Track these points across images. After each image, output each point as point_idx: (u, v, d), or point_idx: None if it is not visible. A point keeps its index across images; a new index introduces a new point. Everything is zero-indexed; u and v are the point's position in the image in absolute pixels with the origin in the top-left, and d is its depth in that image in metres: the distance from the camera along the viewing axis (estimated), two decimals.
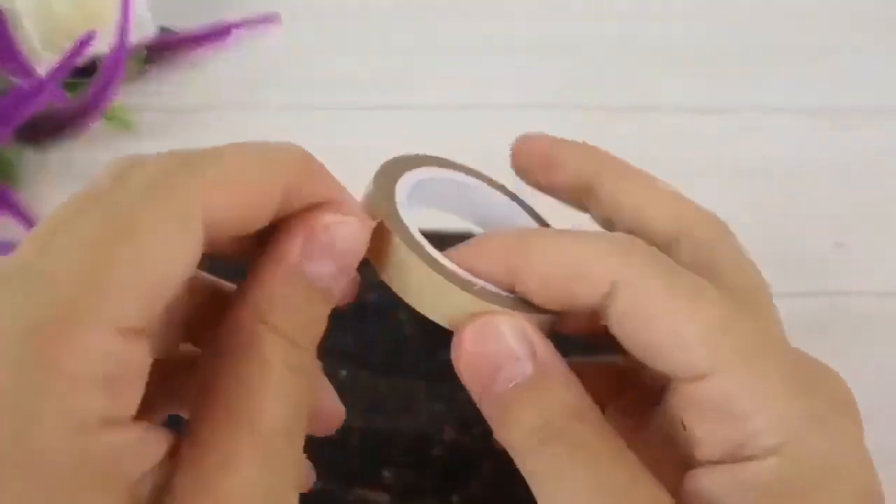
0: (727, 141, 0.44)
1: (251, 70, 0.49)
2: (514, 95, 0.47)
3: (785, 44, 0.49)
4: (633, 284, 0.17)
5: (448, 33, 0.52)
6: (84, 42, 0.40)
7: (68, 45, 0.40)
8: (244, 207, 0.16)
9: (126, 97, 0.44)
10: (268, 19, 0.51)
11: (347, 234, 0.17)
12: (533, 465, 0.17)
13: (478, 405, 0.18)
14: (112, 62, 0.41)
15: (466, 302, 0.18)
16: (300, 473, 0.17)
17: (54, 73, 0.40)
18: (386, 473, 0.29)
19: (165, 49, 0.48)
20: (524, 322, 0.18)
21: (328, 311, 0.17)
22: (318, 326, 0.17)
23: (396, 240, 0.19)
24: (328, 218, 0.17)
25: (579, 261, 0.18)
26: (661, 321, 0.17)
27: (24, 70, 0.41)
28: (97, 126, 0.43)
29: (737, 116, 0.45)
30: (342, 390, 0.32)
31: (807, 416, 0.17)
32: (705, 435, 0.18)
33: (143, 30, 0.45)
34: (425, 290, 0.18)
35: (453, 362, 0.18)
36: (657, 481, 0.17)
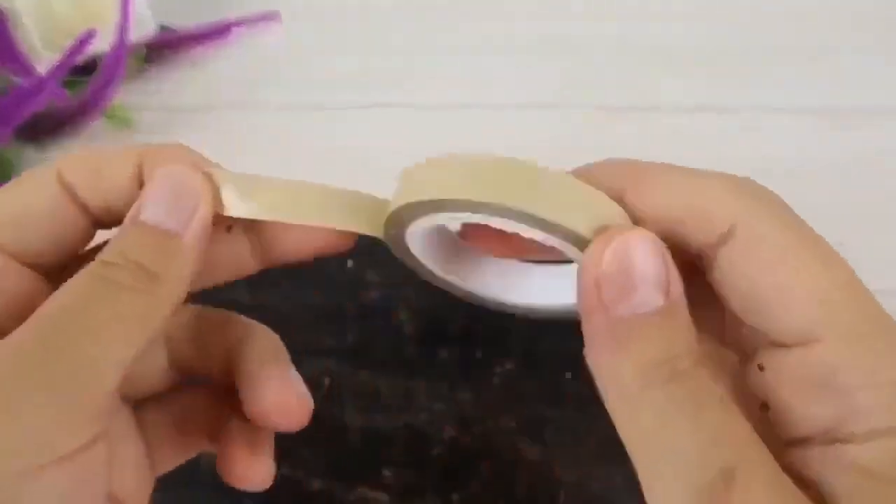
0: (727, 141, 0.44)
1: (251, 69, 0.49)
2: (514, 95, 0.47)
3: (785, 44, 0.49)
4: (754, 228, 0.16)
5: (448, 33, 0.52)
6: (84, 40, 0.40)
7: (68, 44, 0.40)
8: (95, 173, 0.20)
9: (126, 96, 0.44)
10: (268, 18, 0.51)
11: (174, 177, 0.19)
12: (643, 401, 0.15)
13: (584, 322, 0.16)
14: (112, 61, 0.41)
15: (611, 212, 0.16)
16: (83, 373, 0.17)
17: (54, 72, 0.40)
18: (386, 473, 0.29)
19: (165, 47, 0.48)
20: (660, 243, 0.16)
21: (174, 243, 0.19)
22: (155, 253, 0.18)
23: (502, 156, 0.17)
24: (158, 169, 0.19)
25: (702, 195, 0.17)
26: (777, 272, 0.16)
27: (25, 69, 0.41)
28: (97, 125, 0.43)
29: (737, 116, 0.45)
30: (342, 389, 0.32)
31: None
32: (800, 409, 0.16)
33: (143, 28, 0.45)
34: (561, 194, 0.17)
35: (580, 271, 0.16)
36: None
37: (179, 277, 0.19)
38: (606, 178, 0.18)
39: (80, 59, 0.41)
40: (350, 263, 0.36)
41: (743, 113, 0.45)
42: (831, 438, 0.16)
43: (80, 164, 0.20)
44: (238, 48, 0.50)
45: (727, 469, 0.14)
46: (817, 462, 0.16)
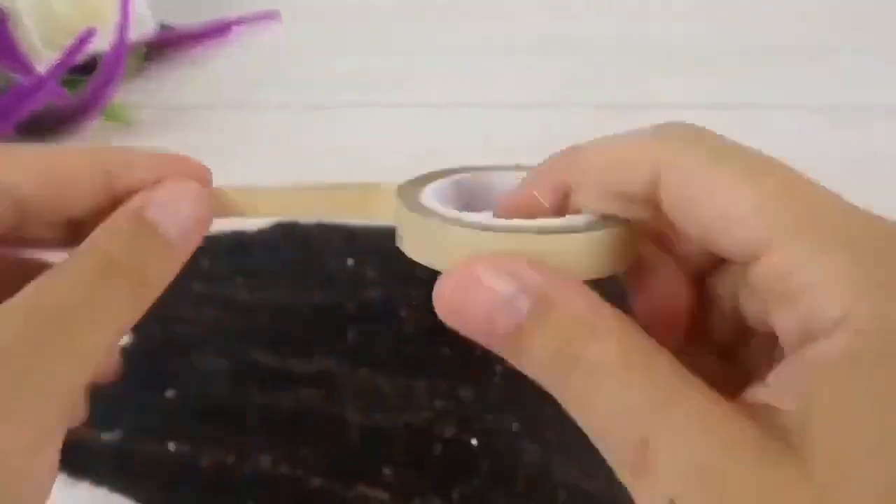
0: None
1: (251, 68, 0.49)
2: (514, 95, 0.47)
3: (785, 44, 0.49)
4: (675, 165, 0.17)
5: (448, 33, 0.52)
6: (84, 39, 0.40)
7: (68, 43, 0.40)
8: (56, 187, 0.19)
9: (126, 94, 0.44)
10: (268, 17, 0.51)
11: (184, 195, 0.20)
12: (561, 394, 0.16)
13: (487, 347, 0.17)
14: (112, 60, 0.41)
15: (461, 238, 0.18)
16: (65, 354, 0.17)
17: (54, 71, 0.40)
18: (386, 471, 0.29)
19: (165, 46, 0.48)
20: (502, 258, 0.17)
21: (169, 253, 0.20)
22: (151, 257, 0.19)
23: (398, 201, 0.19)
24: (170, 183, 0.20)
25: (622, 150, 0.18)
26: (709, 200, 0.16)
27: (25, 67, 0.41)
28: (96, 123, 0.43)
29: (736, 115, 0.45)
30: (342, 388, 0.32)
31: (875, 283, 0.15)
32: (774, 323, 0.16)
33: (142, 27, 0.45)
34: (423, 240, 0.19)
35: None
36: (702, 383, 0.15)
37: (162, 287, 0.20)
38: (549, 174, 0.19)
39: (79, 58, 0.41)
40: (350, 262, 0.36)
41: (742, 111, 0.46)
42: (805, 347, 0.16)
43: (36, 177, 0.19)
44: (238, 48, 0.50)
45: (642, 439, 0.15)
46: (790, 378, 0.15)
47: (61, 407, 0.18)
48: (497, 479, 0.29)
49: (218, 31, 0.49)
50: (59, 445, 0.18)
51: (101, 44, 0.42)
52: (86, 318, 0.18)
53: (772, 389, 0.15)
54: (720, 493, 0.14)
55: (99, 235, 0.19)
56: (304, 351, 0.33)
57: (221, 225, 0.38)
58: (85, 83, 0.42)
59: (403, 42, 0.51)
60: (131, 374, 0.32)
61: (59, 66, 0.40)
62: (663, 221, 0.18)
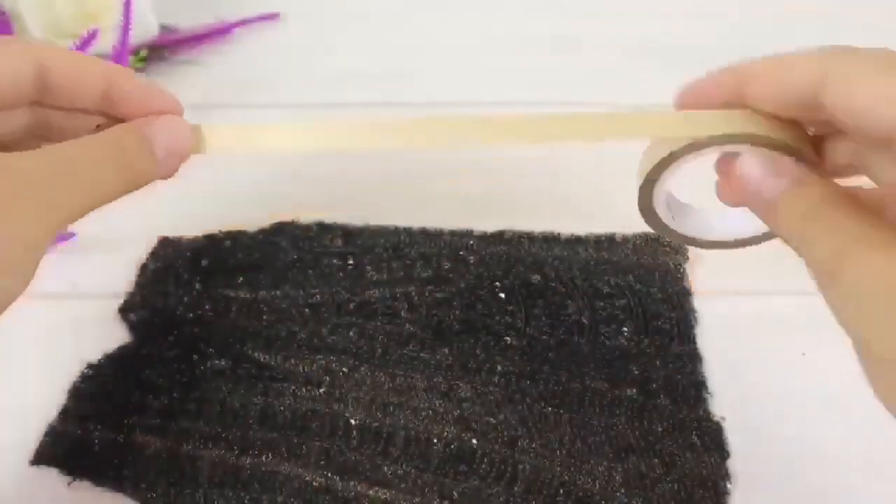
0: None
1: (251, 68, 0.49)
2: (516, 94, 0.47)
3: (785, 44, 0.49)
4: (840, 73, 0.22)
5: (449, 32, 0.52)
6: (86, 41, 0.40)
7: (71, 45, 0.40)
8: (73, 68, 0.24)
9: None
10: (268, 18, 0.51)
11: (175, 126, 0.26)
12: (797, 239, 0.22)
13: (751, 209, 0.24)
14: (114, 61, 0.41)
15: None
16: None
17: None
18: (386, 470, 0.29)
19: (166, 47, 0.48)
20: (767, 154, 0.24)
21: (152, 163, 0.25)
22: (140, 158, 0.24)
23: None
24: (170, 117, 0.26)
25: (792, 58, 0.24)
26: (857, 97, 0.21)
27: None
28: None
29: None
30: (343, 387, 0.32)
31: None
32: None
33: (144, 28, 0.45)
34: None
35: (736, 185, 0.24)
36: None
37: (134, 185, 0.25)
38: (725, 75, 0.25)
39: None
40: (351, 261, 0.37)
41: None
42: None
43: (64, 61, 0.24)
44: (238, 48, 0.50)
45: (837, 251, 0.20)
46: None
47: (58, 221, 0.22)
48: (497, 478, 0.29)
49: (218, 32, 0.49)
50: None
51: (104, 45, 0.42)
52: (87, 169, 0.23)
53: None
54: None
55: (117, 127, 0.24)
56: (305, 350, 0.33)
57: (222, 225, 0.38)
58: None
59: (403, 41, 0.51)
60: (132, 373, 0.33)
61: None
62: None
